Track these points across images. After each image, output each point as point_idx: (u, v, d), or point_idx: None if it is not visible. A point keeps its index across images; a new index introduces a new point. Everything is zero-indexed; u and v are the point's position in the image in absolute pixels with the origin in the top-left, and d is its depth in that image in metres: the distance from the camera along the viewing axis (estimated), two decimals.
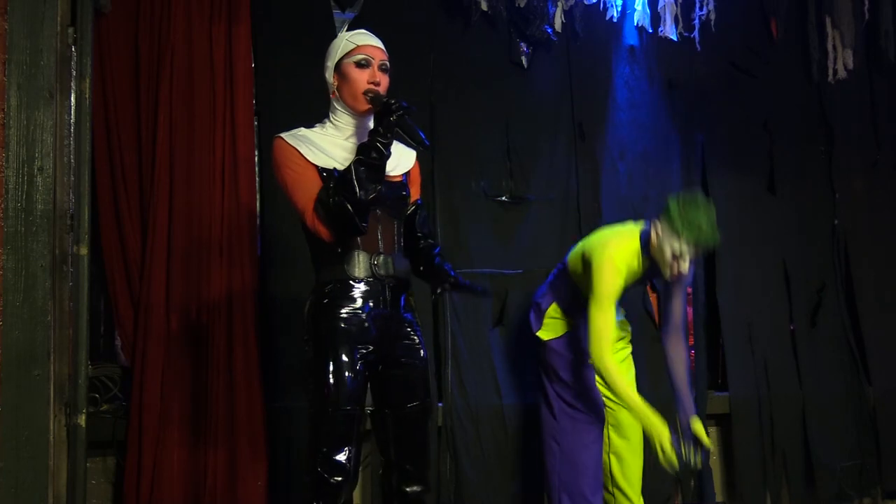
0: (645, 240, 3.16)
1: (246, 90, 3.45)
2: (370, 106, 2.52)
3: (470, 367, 3.68)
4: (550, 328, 3.35)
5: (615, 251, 3.12)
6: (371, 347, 2.49)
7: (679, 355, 3.34)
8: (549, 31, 3.92)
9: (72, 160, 2.67)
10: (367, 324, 2.48)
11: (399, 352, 2.56)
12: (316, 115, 3.56)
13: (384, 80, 2.56)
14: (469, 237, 3.77)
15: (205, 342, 3.28)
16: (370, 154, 2.41)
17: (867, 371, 4.40)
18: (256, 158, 3.51)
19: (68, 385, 2.61)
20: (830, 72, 4.47)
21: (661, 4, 4.08)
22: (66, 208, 2.63)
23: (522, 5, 3.83)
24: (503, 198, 3.90)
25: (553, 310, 3.35)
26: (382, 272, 2.53)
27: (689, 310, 4.22)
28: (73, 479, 2.59)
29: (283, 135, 2.54)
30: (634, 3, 4.09)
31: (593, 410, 3.29)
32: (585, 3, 3.97)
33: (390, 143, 2.45)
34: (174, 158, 3.32)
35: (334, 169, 2.48)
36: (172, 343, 3.25)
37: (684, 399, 3.28)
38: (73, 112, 2.67)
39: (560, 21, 3.92)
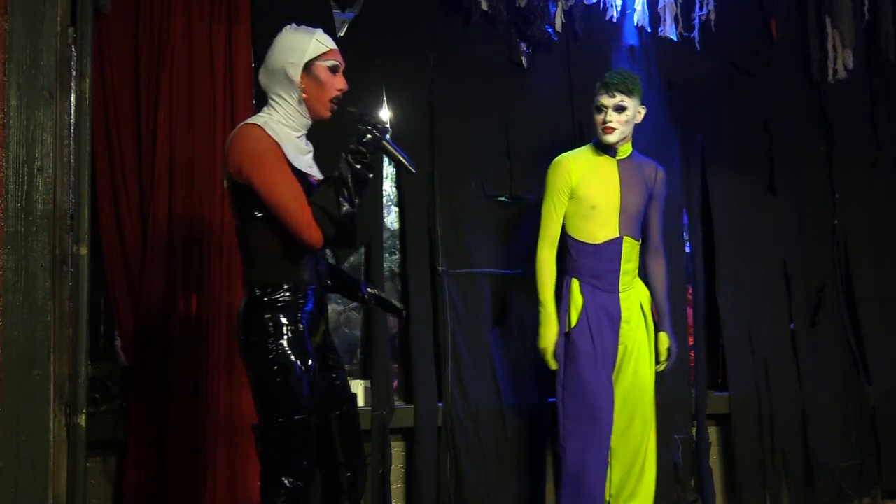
0: (595, 139, 3.43)
1: (246, 90, 3.45)
2: (329, 115, 2.52)
3: (470, 367, 3.68)
4: (573, 312, 3.34)
5: (563, 155, 3.43)
6: (318, 352, 2.52)
7: (657, 272, 3.54)
8: (549, 31, 3.92)
9: (72, 160, 2.67)
10: (312, 327, 2.49)
11: (328, 355, 2.62)
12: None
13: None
14: (469, 237, 3.77)
15: (205, 342, 3.28)
16: (364, 170, 2.40)
17: (867, 371, 4.40)
18: None
19: (68, 385, 2.61)
20: (830, 72, 4.47)
21: (661, 4, 4.08)
22: (66, 208, 2.63)
23: (523, 5, 3.83)
24: (503, 198, 3.90)
25: (574, 285, 3.36)
26: (324, 279, 2.59)
27: (689, 310, 4.23)
28: (73, 479, 2.59)
29: (258, 123, 2.44)
30: (634, 3, 4.09)
31: (600, 413, 3.27)
32: (585, 3, 3.97)
33: (373, 160, 2.45)
34: (174, 158, 3.32)
35: (302, 171, 2.46)
36: (172, 343, 3.25)
37: (661, 310, 3.51)
38: (73, 112, 2.67)
39: (560, 21, 3.92)
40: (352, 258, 3.86)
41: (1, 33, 2.44)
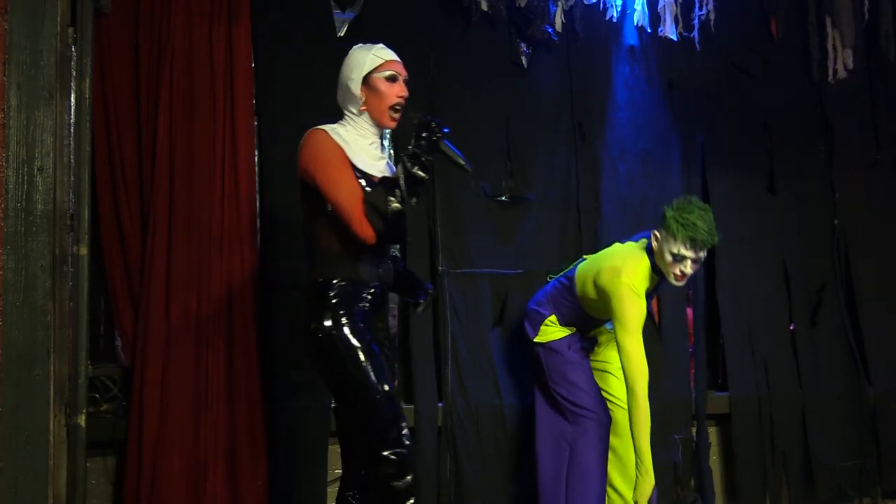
0: (651, 255, 3.21)
1: (246, 90, 3.45)
2: (395, 124, 2.67)
3: (470, 368, 3.68)
4: (548, 334, 3.37)
5: (633, 278, 3.13)
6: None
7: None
8: (549, 31, 3.92)
9: (72, 160, 2.67)
10: (367, 324, 2.60)
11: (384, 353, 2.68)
12: (315, 114, 3.59)
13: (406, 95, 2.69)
14: (469, 237, 3.77)
15: (205, 342, 3.28)
16: (420, 170, 2.51)
17: (867, 371, 4.40)
18: (256, 158, 3.51)
19: (68, 385, 2.61)
20: (830, 72, 4.47)
21: (660, 4, 4.08)
22: (66, 208, 2.63)
23: (523, 5, 3.83)
24: (503, 198, 3.90)
25: (551, 320, 3.37)
26: (386, 279, 2.69)
27: (689, 310, 4.23)
28: (73, 479, 2.59)
29: (324, 128, 2.61)
30: (634, 3, 4.09)
31: (600, 409, 3.29)
32: (585, 3, 3.97)
33: (432, 162, 2.56)
34: (174, 158, 3.32)
35: (368, 174, 2.58)
36: (172, 343, 3.25)
37: None
38: (73, 112, 2.67)
39: (560, 21, 3.92)
40: None
41: (1, 33, 2.45)
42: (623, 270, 3.14)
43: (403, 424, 2.53)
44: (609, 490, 3.37)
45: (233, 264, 3.36)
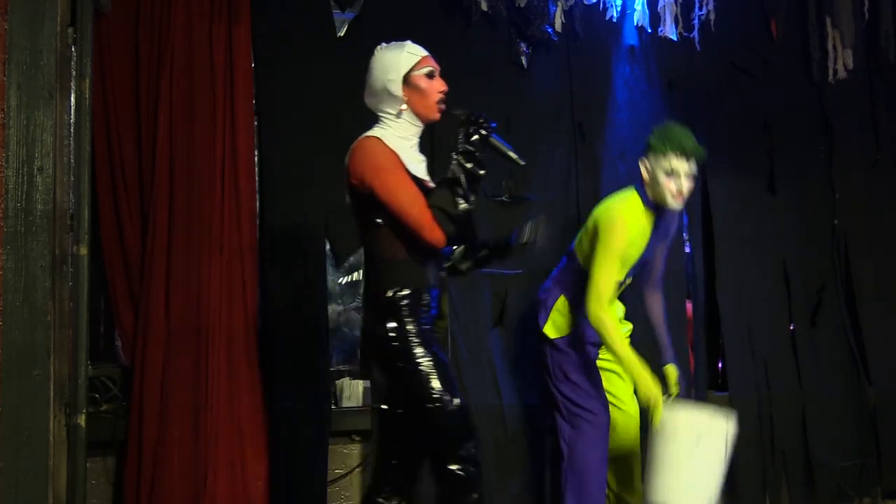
0: (642, 192, 3.23)
1: (246, 90, 3.45)
2: (439, 116, 2.62)
3: (470, 367, 3.68)
4: (556, 325, 3.34)
5: (623, 208, 3.18)
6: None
7: (656, 307, 3.48)
8: (549, 31, 3.92)
9: (72, 160, 2.67)
10: (434, 329, 2.59)
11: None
12: (316, 114, 3.60)
13: None
14: None
15: (205, 342, 3.28)
16: (476, 167, 2.49)
17: (867, 371, 4.40)
18: (256, 158, 3.51)
19: (68, 385, 2.61)
20: (830, 72, 4.47)
21: (660, 4, 4.08)
22: (66, 208, 2.63)
23: (522, 5, 3.83)
24: (503, 198, 3.89)
25: (560, 304, 3.34)
26: (446, 281, 2.68)
27: (689, 309, 4.23)
28: (73, 479, 2.59)
29: (375, 135, 2.57)
30: (634, 3, 4.09)
31: (601, 411, 3.29)
32: (585, 3, 3.97)
33: (484, 157, 2.53)
34: (174, 158, 3.32)
35: (418, 177, 2.56)
36: (172, 343, 3.25)
37: (663, 343, 3.44)
38: (73, 112, 2.67)
39: (560, 21, 3.93)
40: (351, 258, 3.85)
41: (1, 33, 2.44)
42: (615, 205, 3.22)
43: (474, 441, 2.47)
44: (610, 493, 3.36)
45: (233, 264, 3.36)
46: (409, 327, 2.48)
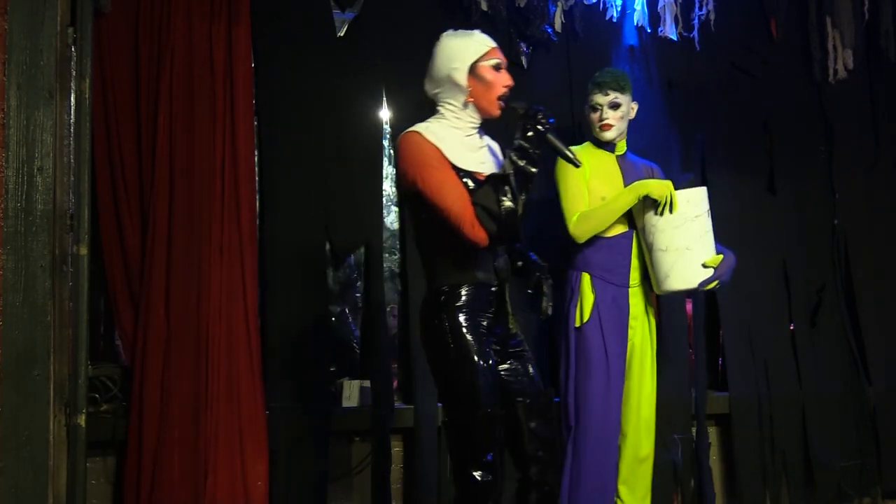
0: (590, 137, 3.45)
1: (246, 90, 3.45)
2: (499, 113, 2.55)
3: None
4: (583, 307, 3.33)
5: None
6: (497, 348, 2.56)
7: None
8: (549, 31, 3.92)
9: (72, 160, 2.67)
10: (491, 324, 2.53)
11: (513, 346, 2.62)
12: (316, 114, 3.60)
13: None
14: None
15: (205, 342, 3.28)
16: (529, 165, 2.42)
17: (867, 371, 4.40)
18: (256, 158, 3.52)
19: (68, 385, 2.61)
20: (830, 72, 4.47)
21: (660, 4, 4.08)
22: (66, 208, 2.63)
23: (522, 5, 3.83)
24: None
25: (585, 282, 3.34)
26: (504, 273, 2.59)
27: (689, 309, 4.23)
28: (73, 479, 2.59)
29: (418, 130, 2.51)
30: (634, 3, 4.09)
31: (613, 407, 3.26)
32: (585, 3, 3.97)
33: (539, 155, 2.46)
34: (174, 158, 3.32)
35: (470, 171, 2.49)
36: (172, 343, 3.25)
37: None
38: (73, 112, 2.67)
39: (560, 21, 3.93)
40: (352, 258, 3.86)
41: (1, 33, 2.44)
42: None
43: (497, 451, 2.45)
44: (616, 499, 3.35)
45: (233, 264, 3.36)
46: (456, 324, 2.45)
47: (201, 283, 3.30)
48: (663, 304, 4.07)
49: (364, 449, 3.63)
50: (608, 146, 3.43)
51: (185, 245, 3.30)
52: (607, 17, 4.03)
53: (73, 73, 2.66)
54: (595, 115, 3.38)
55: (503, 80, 2.56)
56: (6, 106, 2.44)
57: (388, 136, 3.84)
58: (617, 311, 3.32)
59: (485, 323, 2.51)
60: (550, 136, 2.48)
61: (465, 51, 2.54)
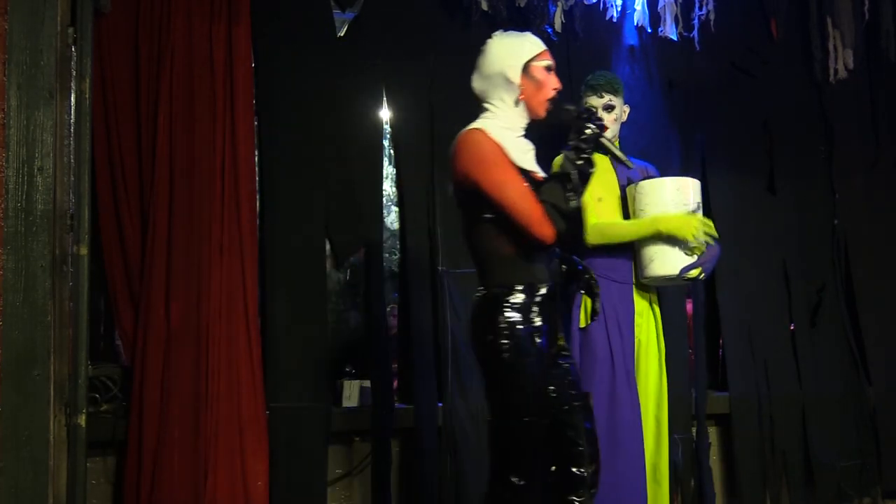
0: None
1: (246, 90, 3.45)
2: (545, 115, 2.57)
3: (470, 368, 3.67)
4: (587, 307, 3.31)
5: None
6: (553, 348, 2.55)
7: None
8: (549, 31, 3.92)
9: (72, 160, 2.67)
10: (545, 325, 2.51)
11: (563, 350, 2.62)
12: (316, 114, 3.60)
13: None
14: None
15: (205, 342, 3.28)
16: (586, 165, 2.45)
17: (867, 371, 4.40)
18: (256, 158, 3.52)
19: (68, 385, 2.61)
20: (831, 71, 4.47)
21: (661, 4, 4.08)
22: (66, 208, 2.63)
23: (522, 5, 3.83)
24: None
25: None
26: (557, 275, 2.60)
27: (689, 309, 4.23)
28: (73, 479, 2.58)
29: (479, 128, 2.50)
30: (634, 3, 4.09)
31: (626, 405, 3.24)
32: (585, 3, 3.97)
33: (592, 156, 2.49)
34: (174, 158, 3.32)
35: (526, 170, 2.50)
36: (172, 343, 3.25)
37: None
38: (73, 112, 2.66)
39: (560, 21, 3.92)
40: (352, 258, 3.86)
41: (1, 33, 2.44)
42: None
43: (537, 460, 2.43)
44: None
45: (233, 264, 3.36)
46: (514, 324, 2.43)
47: (201, 283, 3.30)
48: (663, 304, 4.06)
49: (364, 449, 3.63)
50: (602, 148, 3.39)
51: (185, 245, 3.30)
52: (607, 17, 4.03)
53: (73, 73, 2.66)
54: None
55: (553, 83, 2.59)
56: (6, 106, 2.44)
57: (388, 136, 3.84)
58: (623, 310, 3.31)
59: (538, 324, 2.49)
60: (604, 138, 2.52)
61: (519, 49, 2.55)
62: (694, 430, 4.05)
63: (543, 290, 2.51)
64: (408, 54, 3.76)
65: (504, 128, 2.54)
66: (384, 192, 3.82)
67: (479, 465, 3.62)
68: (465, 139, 2.50)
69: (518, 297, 2.47)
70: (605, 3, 4.00)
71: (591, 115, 2.51)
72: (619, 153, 2.58)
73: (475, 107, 3.82)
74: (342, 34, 3.73)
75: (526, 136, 2.62)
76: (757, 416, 4.14)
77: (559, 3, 3.92)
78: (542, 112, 2.58)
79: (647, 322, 3.37)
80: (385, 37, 3.74)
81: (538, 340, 2.47)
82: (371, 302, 3.65)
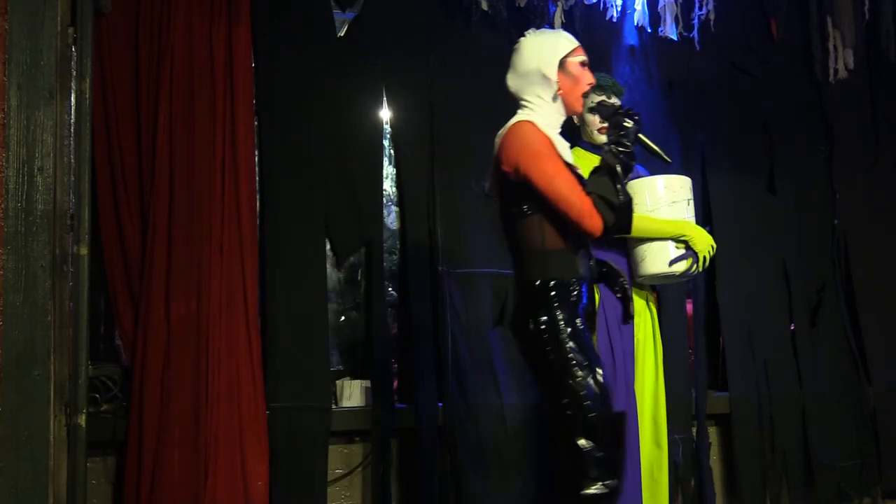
0: (581, 143, 3.32)
1: (246, 90, 3.45)
2: (581, 110, 2.60)
3: (470, 367, 3.68)
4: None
5: None
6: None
7: None
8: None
9: (72, 160, 2.67)
10: (589, 322, 2.55)
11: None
12: (316, 114, 3.60)
13: None
14: (469, 237, 3.77)
15: (205, 342, 3.28)
16: (628, 159, 2.47)
17: (867, 371, 4.41)
18: (256, 158, 3.52)
19: (68, 385, 2.61)
20: (831, 71, 4.47)
21: (661, 4, 4.08)
22: (66, 208, 2.63)
23: (522, 5, 3.83)
24: None
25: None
26: (595, 272, 2.61)
27: (689, 309, 4.23)
28: (73, 479, 2.59)
29: (530, 120, 2.51)
30: (634, 3, 4.09)
31: (627, 407, 3.25)
32: (585, 3, 3.97)
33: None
34: (174, 158, 3.32)
35: (571, 164, 2.51)
36: (172, 343, 3.25)
37: None
38: (73, 112, 2.67)
39: (560, 21, 3.92)
40: (352, 258, 3.86)
41: (1, 33, 2.44)
42: None
43: (617, 453, 2.41)
44: None
45: (233, 264, 3.36)
46: (561, 319, 2.42)
47: (201, 282, 3.30)
48: (663, 304, 4.07)
49: (364, 449, 3.63)
50: (598, 149, 3.38)
51: (185, 245, 3.30)
52: (607, 17, 4.03)
53: (73, 73, 2.66)
54: (595, 118, 3.35)
55: (588, 78, 2.60)
56: (6, 106, 2.44)
57: (388, 136, 3.84)
58: (623, 311, 3.30)
59: (582, 320, 2.50)
60: (642, 135, 2.55)
61: (555, 46, 2.56)
62: (694, 430, 4.05)
63: (583, 287, 2.52)
64: (408, 54, 3.76)
65: (545, 124, 2.54)
66: (384, 192, 3.82)
67: (479, 464, 3.63)
68: (516, 131, 2.49)
69: (561, 293, 2.46)
70: (605, 3, 4.00)
71: (630, 110, 2.52)
72: (656, 148, 2.59)
73: (475, 106, 3.86)
74: (342, 34, 3.73)
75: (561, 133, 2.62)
76: (757, 416, 4.14)
77: (559, 3, 3.92)
78: (579, 107, 2.60)
79: (644, 321, 3.37)
80: (385, 37, 3.74)
81: (586, 336, 2.47)
82: (371, 302, 3.65)
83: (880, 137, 4.63)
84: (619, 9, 4.05)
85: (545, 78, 2.54)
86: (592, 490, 2.35)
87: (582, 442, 2.37)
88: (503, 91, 3.88)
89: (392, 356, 3.74)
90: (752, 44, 4.40)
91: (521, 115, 2.54)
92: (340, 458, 3.61)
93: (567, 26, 3.96)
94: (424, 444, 3.57)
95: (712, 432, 4.16)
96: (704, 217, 4.26)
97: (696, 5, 4.13)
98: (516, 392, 3.74)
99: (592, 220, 2.42)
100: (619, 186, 2.42)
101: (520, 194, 2.49)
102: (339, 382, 3.71)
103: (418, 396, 3.60)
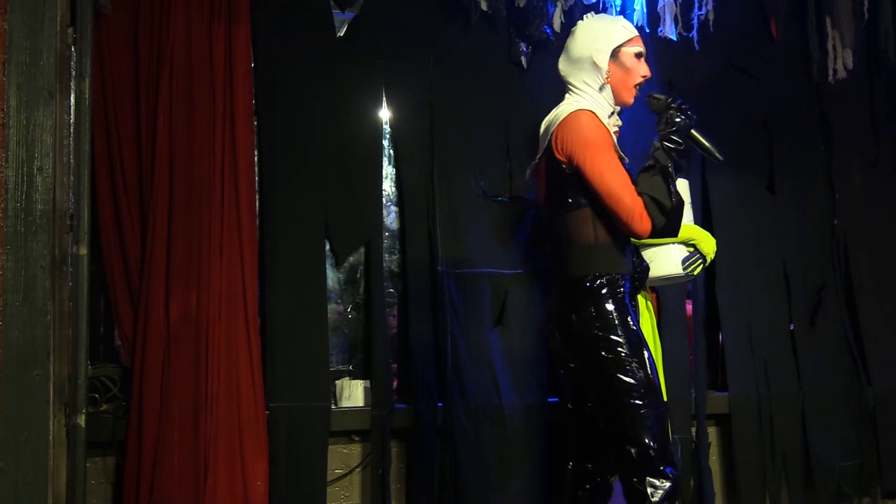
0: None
1: (246, 90, 3.45)
2: (632, 101, 2.49)
3: (470, 367, 3.68)
4: None
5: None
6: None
7: None
8: (548, 31, 3.92)
9: (71, 160, 2.67)
10: (635, 317, 2.49)
11: None
12: (316, 114, 3.60)
13: None
14: (469, 237, 3.77)
15: (205, 342, 3.28)
16: (680, 158, 2.39)
17: (867, 371, 4.40)
18: (256, 158, 3.52)
19: (68, 385, 2.61)
20: (830, 72, 4.46)
21: (660, 4, 4.08)
22: (66, 208, 2.63)
23: (522, 5, 3.83)
24: (503, 198, 3.89)
25: None
26: (637, 268, 2.57)
27: (689, 309, 4.23)
28: (73, 479, 2.59)
29: (591, 109, 2.41)
30: (634, 3, 4.09)
31: None
32: (585, 2, 3.97)
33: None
34: (174, 158, 3.32)
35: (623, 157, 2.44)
36: (172, 343, 3.25)
37: None
38: (72, 112, 2.67)
39: (560, 21, 3.92)
40: (352, 258, 3.86)
41: (1, 33, 2.44)
42: None
43: (673, 450, 2.36)
44: None
45: (233, 264, 3.36)
46: (610, 314, 2.36)
47: (201, 282, 3.30)
48: (663, 305, 4.07)
49: (363, 449, 3.63)
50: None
51: (184, 245, 3.30)
52: None
53: (73, 73, 2.67)
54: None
55: (642, 70, 2.53)
56: (6, 106, 2.44)
57: (388, 136, 3.84)
58: None
59: (630, 314, 2.45)
60: (694, 131, 2.45)
61: (610, 33, 2.49)
62: (694, 429, 4.05)
63: (627, 282, 2.47)
64: (408, 54, 3.76)
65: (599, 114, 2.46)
66: (384, 192, 3.82)
67: (479, 464, 3.63)
68: (574, 120, 2.40)
69: (608, 287, 2.41)
70: (604, 3, 4.00)
71: (682, 105, 2.43)
72: (708, 145, 2.47)
73: (475, 107, 3.86)
74: (342, 34, 3.73)
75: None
76: (757, 416, 4.14)
77: (559, 3, 3.92)
78: (629, 99, 2.51)
79: (644, 322, 3.37)
80: (385, 37, 3.74)
81: (636, 330, 2.41)
82: (371, 302, 3.65)
83: (880, 137, 4.63)
84: (618, 9, 4.04)
85: (595, 66, 2.46)
86: (660, 483, 2.31)
87: (644, 437, 2.32)
88: (503, 91, 3.92)
89: (392, 356, 3.74)
90: (752, 44, 4.40)
91: (575, 103, 2.44)
92: (340, 458, 3.61)
93: (567, 26, 3.95)
94: (424, 444, 3.57)
95: (712, 432, 4.16)
96: (704, 217, 4.26)
97: (696, 5, 4.13)
98: (516, 392, 3.74)
99: (643, 223, 2.34)
100: (671, 188, 2.32)
101: (571, 185, 2.40)
102: (338, 382, 3.71)
103: (418, 396, 3.60)
